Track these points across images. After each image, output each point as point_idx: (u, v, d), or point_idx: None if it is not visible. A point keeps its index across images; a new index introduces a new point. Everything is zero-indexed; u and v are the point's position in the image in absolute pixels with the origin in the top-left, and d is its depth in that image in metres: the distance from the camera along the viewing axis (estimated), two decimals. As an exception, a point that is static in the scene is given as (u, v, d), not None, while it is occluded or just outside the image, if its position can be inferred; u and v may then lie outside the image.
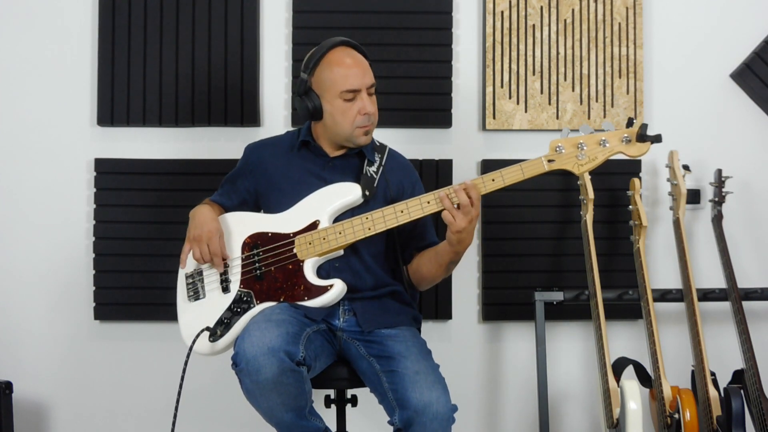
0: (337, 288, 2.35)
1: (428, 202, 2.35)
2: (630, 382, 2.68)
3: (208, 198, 2.61)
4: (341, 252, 2.39)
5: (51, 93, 3.15)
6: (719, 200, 3.11)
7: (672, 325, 3.15)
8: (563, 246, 3.17)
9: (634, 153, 2.34)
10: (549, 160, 2.34)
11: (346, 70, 2.39)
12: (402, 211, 2.35)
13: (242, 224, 2.47)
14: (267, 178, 2.53)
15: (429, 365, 2.29)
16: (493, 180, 2.34)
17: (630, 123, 2.35)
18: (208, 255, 2.40)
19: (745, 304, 2.95)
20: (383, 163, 2.51)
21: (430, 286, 2.59)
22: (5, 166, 3.15)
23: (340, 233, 2.36)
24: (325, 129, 2.47)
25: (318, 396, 2.36)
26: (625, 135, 2.33)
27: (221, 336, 2.36)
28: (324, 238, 2.37)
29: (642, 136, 2.32)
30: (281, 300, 2.36)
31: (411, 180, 2.56)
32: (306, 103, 2.43)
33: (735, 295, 2.92)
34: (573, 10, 3.19)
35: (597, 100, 3.18)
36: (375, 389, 2.35)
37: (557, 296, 3.03)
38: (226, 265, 2.42)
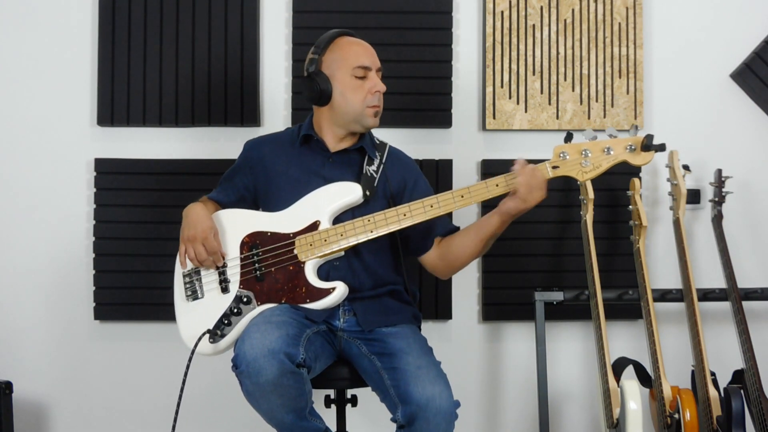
0: (339, 291, 2.34)
1: (431, 206, 2.34)
2: (630, 382, 2.68)
3: (205, 195, 2.60)
4: (342, 253, 2.39)
5: (51, 93, 3.15)
6: (719, 200, 3.11)
7: (672, 325, 3.15)
8: (563, 246, 3.17)
9: (639, 162, 2.34)
10: (553, 167, 2.34)
11: (359, 48, 2.45)
12: (405, 214, 2.35)
13: (240, 222, 2.45)
14: (266, 175, 2.51)
15: (430, 361, 2.29)
16: (497, 185, 2.34)
17: (635, 132, 2.35)
18: (204, 254, 2.39)
19: (745, 304, 2.95)
20: (383, 161, 2.50)
21: (457, 272, 2.53)
22: (5, 166, 3.15)
23: (341, 235, 2.36)
24: (332, 113, 2.45)
25: (318, 396, 2.36)
26: (630, 144, 2.33)
27: (222, 337, 2.35)
28: (325, 240, 2.36)
29: (647, 146, 2.32)
30: (282, 302, 2.35)
31: (413, 175, 2.55)
32: (315, 85, 2.41)
33: (735, 295, 2.92)
34: (573, 10, 3.18)
35: (597, 100, 3.18)
36: (377, 387, 2.35)
37: (557, 296, 3.03)
38: (224, 265, 2.42)
